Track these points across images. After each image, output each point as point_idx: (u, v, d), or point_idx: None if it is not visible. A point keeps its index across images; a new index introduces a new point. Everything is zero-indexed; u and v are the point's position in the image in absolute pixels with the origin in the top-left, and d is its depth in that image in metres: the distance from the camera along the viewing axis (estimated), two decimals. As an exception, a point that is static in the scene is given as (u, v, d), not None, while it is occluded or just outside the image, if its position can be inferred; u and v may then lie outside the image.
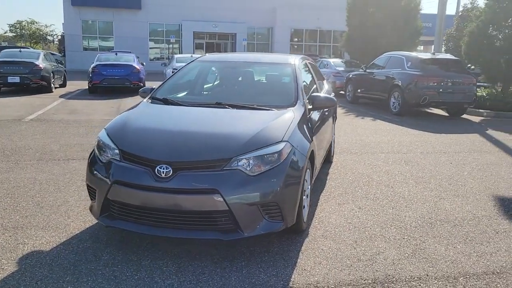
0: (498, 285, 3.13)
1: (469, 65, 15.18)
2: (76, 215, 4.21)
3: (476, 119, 12.05)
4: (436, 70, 11.68)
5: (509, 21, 12.91)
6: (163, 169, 3.19)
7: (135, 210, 3.33)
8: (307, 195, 3.91)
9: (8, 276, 3.06)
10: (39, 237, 3.70)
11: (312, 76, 5.37)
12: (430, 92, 11.24)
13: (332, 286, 3.04)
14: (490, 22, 13.17)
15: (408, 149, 7.61)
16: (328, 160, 6.18)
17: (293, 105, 4.12)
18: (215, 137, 3.45)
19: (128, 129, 3.65)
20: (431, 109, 13.43)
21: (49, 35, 57.76)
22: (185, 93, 4.70)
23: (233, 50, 34.92)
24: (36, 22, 55.01)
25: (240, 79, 4.91)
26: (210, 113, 3.95)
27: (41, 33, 55.76)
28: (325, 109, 4.98)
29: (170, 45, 34.58)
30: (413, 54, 12.60)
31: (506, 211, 4.62)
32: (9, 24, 64.40)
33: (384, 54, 13.56)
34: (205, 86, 4.81)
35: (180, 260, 3.33)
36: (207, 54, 5.40)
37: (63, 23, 33.86)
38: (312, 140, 3.97)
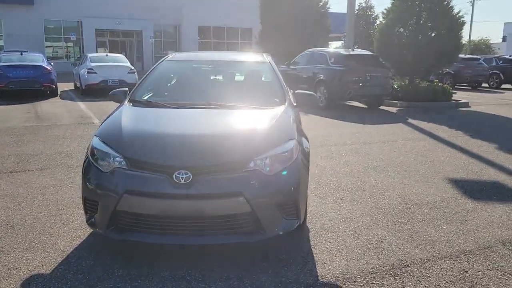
0: (493, 257, 3.48)
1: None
2: (58, 232, 3.85)
3: (392, 109, 13.05)
4: (357, 65, 12.44)
5: (414, 18, 14.13)
6: (182, 174, 3.05)
7: (149, 220, 3.15)
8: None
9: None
10: (29, 260, 3.33)
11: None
12: (353, 86, 11.96)
13: (358, 276, 3.16)
14: (397, 20, 14.32)
15: (351, 140, 8.04)
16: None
17: (283, 103, 4.16)
18: (228, 138, 3.38)
19: (128, 135, 3.42)
20: (350, 102, 14.26)
21: None
22: (166, 94, 4.50)
23: (139, 48, 33.80)
24: None
25: (221, 78, 4.83)
26: (209, 114, 3.85)
27: None
28: None
29: (70, 44, 32.47)
30: (335, 50, 13.30)
31: (465, 192, 5.11)
32: None
33: (306, 51, 14.10)
34: (186, 87, 4.64)
35: (199, 267, 3.22)
36: (176, 53, 5.20)
37: None
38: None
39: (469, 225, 4.13)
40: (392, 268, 3.28)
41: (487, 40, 53.59)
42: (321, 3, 20.30)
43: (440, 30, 14.09)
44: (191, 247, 3.40)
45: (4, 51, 18.98)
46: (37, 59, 15.19)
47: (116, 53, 22.32)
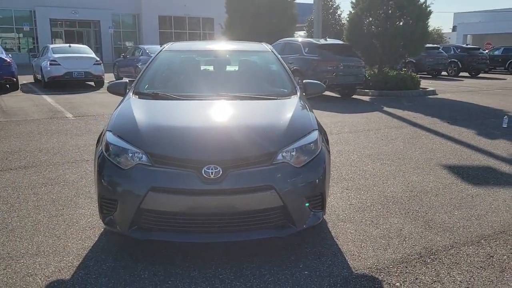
0: (511, 242, 3.55)
1: None
2: (65, 234, 3.61)
3: (365, 98, 13.24)
4: (331, 54, 12.51)
5: (384, 8, 14.34)
6: (211, 169, 2.91)
7: (175, 218, 2.99)
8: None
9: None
10: (43, 265, 3.09)
11: None
12: (328, 75, 12.01)
13: (390, 266, 3.13)
14: (367, 9, 14.48)
15: (337, 130, 8.07)
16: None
17: (295, 93, 4.07)
18: (253, 130, 3.25)
19: (146, 129, 3.22)
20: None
21: None
22: (172, 86, 4.27)
23: (98, 39, 32.63)
24: None
25: (227, 68, 4.65)
26: (224, 106, 3.69)
27: None
28: None
29: (22, 34, 30.89)
30: (309, 40, 13.29)
31: (463, 178, 5.22)
32: None
33: (280, 40, 14.04)
34: (192, 77, 4.44)
35: (227, 265, 3.10)
36: (173, 43, 4.96)
37: None
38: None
39: (477, 210, 4.21)
40: (421, 256, 3.28)
41: (439, 29, 55.44)
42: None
43: (408, 19, 14.38)
44: (209, 244, 3.27)
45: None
46: (-5, 50, 14.33)
47: (73, 43, 21.39)
